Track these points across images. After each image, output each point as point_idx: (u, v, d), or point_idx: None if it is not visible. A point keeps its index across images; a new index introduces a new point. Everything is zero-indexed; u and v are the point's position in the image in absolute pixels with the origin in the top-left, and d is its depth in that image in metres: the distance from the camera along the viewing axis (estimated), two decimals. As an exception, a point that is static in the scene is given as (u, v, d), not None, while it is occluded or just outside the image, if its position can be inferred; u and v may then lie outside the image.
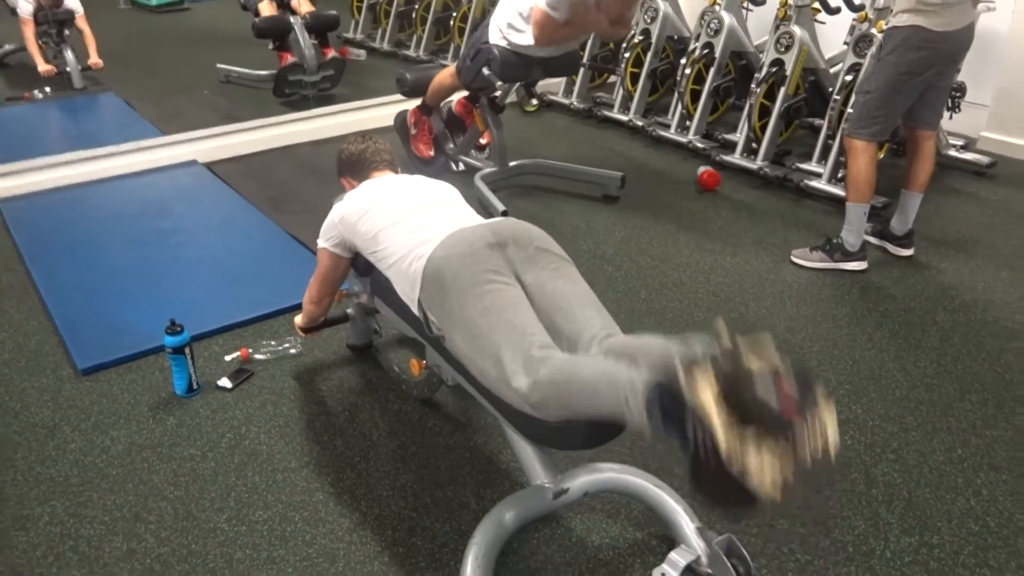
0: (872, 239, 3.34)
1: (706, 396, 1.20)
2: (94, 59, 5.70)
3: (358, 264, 2.16)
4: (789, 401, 1.19)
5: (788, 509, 1.12)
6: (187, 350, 2.32)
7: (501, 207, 3.45)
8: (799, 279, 3.10)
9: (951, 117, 3.92)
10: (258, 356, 2.54)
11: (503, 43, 3.35)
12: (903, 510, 1.95)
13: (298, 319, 2.41)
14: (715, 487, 1.24)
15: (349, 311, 2.50)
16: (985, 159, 4.19)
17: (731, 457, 1.17)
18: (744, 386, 1.19)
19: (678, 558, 1.72)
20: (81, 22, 5.68)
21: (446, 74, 3.75)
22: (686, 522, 1.75)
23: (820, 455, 1.18)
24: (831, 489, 2.01)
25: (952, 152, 4.25)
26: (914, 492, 2.01)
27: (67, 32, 5.71)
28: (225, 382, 2.41)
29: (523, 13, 3.25)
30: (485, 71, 3.41)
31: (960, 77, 3.92)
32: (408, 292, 1.83)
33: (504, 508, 1.72)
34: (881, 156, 3.99)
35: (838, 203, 3.50)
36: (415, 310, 1.82)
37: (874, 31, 3.61)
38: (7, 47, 6.12)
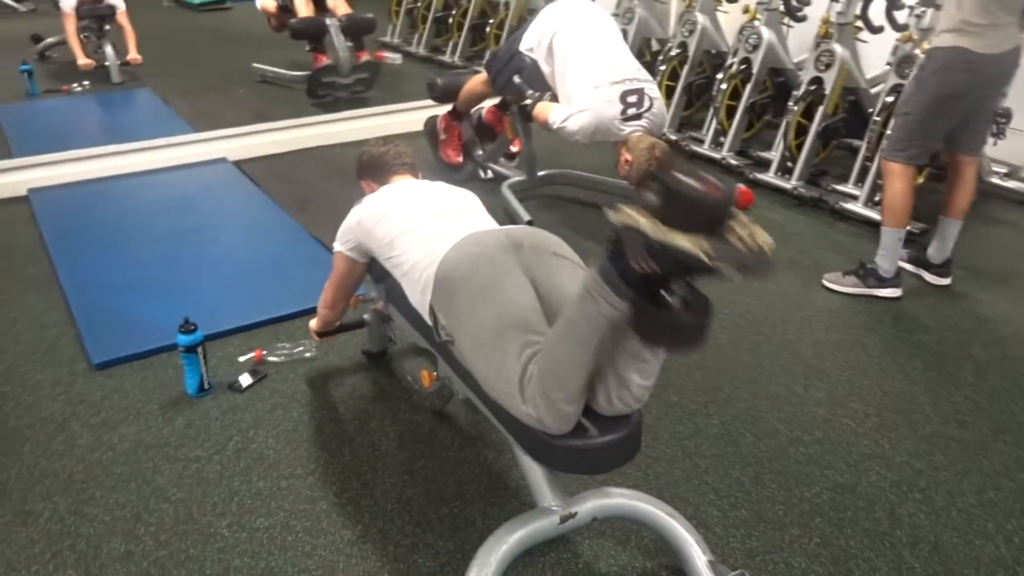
0: (908, 266, 3.23)
1: (632, 214, 1.28)
2: (133, 55, 5.77)
3: (374, 270, 2.12)
4: (712, 191, 1.25)
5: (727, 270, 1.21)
6: (200, 349, 2.29)
7: (526, 216, 3.40)
8: (830, 304, 3.00)
9: (995, 143, 3.79)
10: (272, 358, 2.51)
11: (532, 55, 3.31)
12: (928, 554, 1.86)
13: (313, 323, 2.38)
14: (657, 314, 1.34)
15: (365, 317, 2.46)
16: (1029, 188, 4.06)
17: (656, 236, 1.24)
18: (668, 185, 1.26)
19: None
20: (122, 18, 5.75)
21: (478, 80, 3.71)
22: (698, 555, 1.68)
23: (753, 247, 1.25)
24: (853, 528, 1.93)
25: (995, 179, 4.11)
26: (941, 536, 1.91)
27: (108, 27, 5.77)
28: (243, 380, 2.39)
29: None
30: (516, 79, 3.37)
31: (1007, 103, 3.81)
32: (419, 299, 1.79)
33: (509, 529, 1.66)
34: (920, 181, 3.87)
35: (873, 227, 3.39)
36: (426, 317, 1.78)
37: (918, 52, 3.52)
38: (49, 40, 6.21)
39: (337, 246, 2.11)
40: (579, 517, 1.70)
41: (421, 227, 1.87)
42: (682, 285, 1.35)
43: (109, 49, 5.70)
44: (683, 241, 1.23)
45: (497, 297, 1.62)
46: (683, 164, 1.28)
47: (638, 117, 3.12)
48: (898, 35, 3.78)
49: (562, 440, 1.52)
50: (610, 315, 1.37)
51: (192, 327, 2.28)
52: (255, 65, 5.88)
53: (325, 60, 5.27)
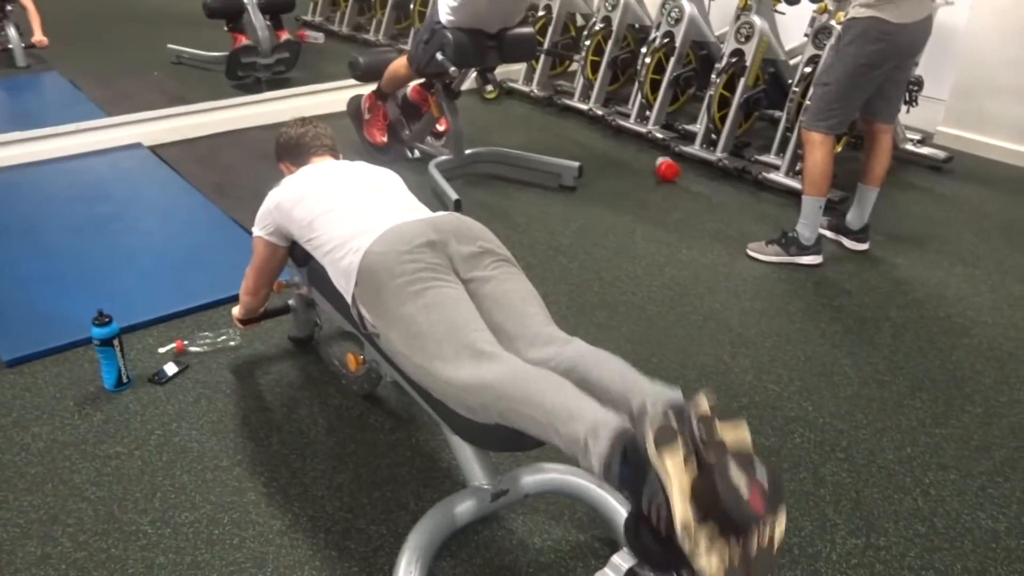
0: (828, 233, 3.32)
1: (674, 477, 1.16)
2: (38, 36, 5.48)
3: (296, 254, 2.07)
4: (757, 505, 1.15)
5: None
6: (116, 342, 2.21)
7: (455, 196, 3.37)
8: (754, 273, 3.06)
9: (908, 111, 3.92)
10: (194, 348, 2.43)
11: (449, 17, 3.26)
12: (850, 511, 1.92)
13: (236, 310, 2.32)
14: (653, 550, 1.23)
15: (290, 302, 2.41)
16: (941, 154, 4.20)
17: (684, 538, 1.14)
18: (715, 483, 1.14)
19: (620, 561, 1.66)
20: (25, -3, 5.46)
21: (399, 64, 3.65)
22: (629, 525, 1.69)
23: (766, 547, 1.16)
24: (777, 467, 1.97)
25: (909, 146, 4.25)
26: (862, 492, 1.98)
27: (10, 8, 5.46)
28: (165, 371, 2.32)
29: None
30: (439, 56, 3.32)
31: (917, 71, 3.93)
32: (343, 284, 1.75)
33: (440, 511, 1.65)
34: (839, 149, 3.97)
35: (795, 196, 3.47)
36: (350, 304, 1.74)
37: (833, 23, 3.59)
38: (-54, 22, 5.86)
39: (256, 230, 2.05)
40: (511, 494, 1.70)
41: (340, 206, 1.83)
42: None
43: (12, 31, 5.40)
44: (703, 554, 1.14)
45: (425, 293, 1.58)
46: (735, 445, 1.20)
47: None
48: (814, 6, 3.86)
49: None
50: (588, 468, 1.30)
51: (107, 319, 2.19)
52: (170, 46, 5.66)
53: (244, 40, 5.10)
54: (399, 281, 1.60)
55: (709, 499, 1.14)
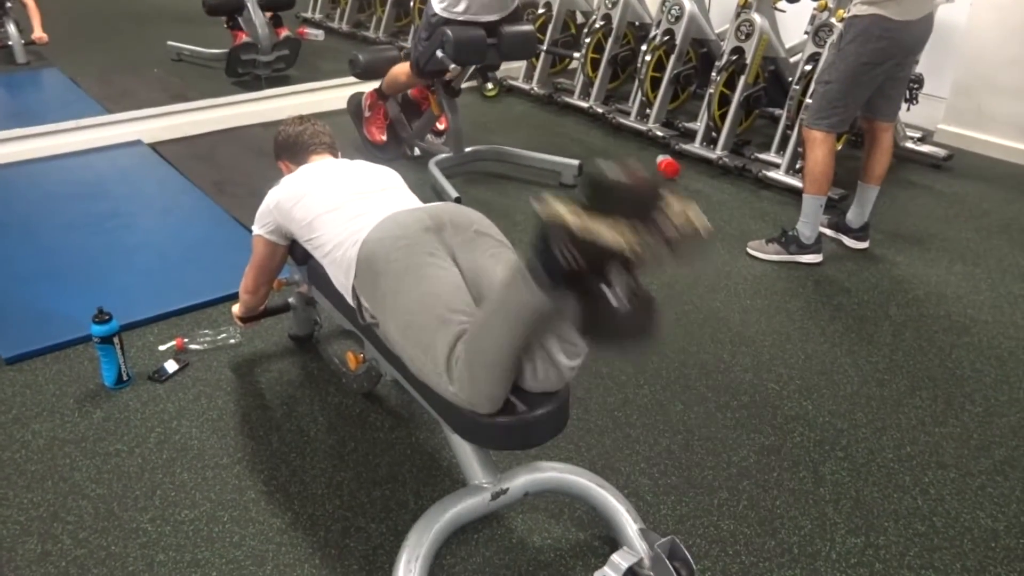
0: (828, 232, 3.32)
1: (557, 205, 1.24)
2: (38, 33, 5.48)
3: (296, 252, 2.07)
4: (633, 176, 1.22)
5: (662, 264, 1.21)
6: (116, 339, 2.20)
7: (454, 194, 3.37)
8: (754, 271, 3.06)
9: (909, 109, 3.91)
10: (194, 346, 2.43)
11: (442, 5, 3.27)
12: (850, 510, 1.92)
13: (235, 308, 2.32)
14: (601, 315, 1.28)
15: (290, 300, 2.41)
16: (942, 152, 4.20)
17: (583, 230, 1.20)
18: (595, 182, 1.23)
19: (620, 560, 1.67)
20: (24, -6, 5.46)
21: (401, 70, 3.65)
22: (629, 523, 1.70)
23: (686, 230, 1.21)
24: (779, 488, 1.97)
25: (909, 144, 4.24)
26: (862, 491, 1.98)
27: (10, 5, 5.47)
28: (165, 369, 2.32)
29: None
30: (439, 53, 3.32)
31: (918, 69, 3.92)
32: (343, 281, 1.75)
33: (440, 509, 1.65)
34: (839, 148, 3.97)
35: (796, 194, 3.47)
36: (349, 299, 1.74)
37: (834, 20, 3.58)
38: (-54, 19, 5.86)
39: (256, 229, 2.05)
40: (511, 493, 1.69)
41: (340, 206, 1.83)
42: (621, 278, 1.28)
43: (12, 28, 5.40)
44: (607, 232, 1.19)
45: (421, 279, 1.59)
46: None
47: None
48: (815, 4, 3.85)
49: (490, 417, 1.50)
50: (538, 306, 1.35)
51: (106, 317, 2.19)
52: (170, 43, 5.66)
53: (244, 37, 5.09)
54: (396, 266, 1.61)
55: (595, 196, 1.22)
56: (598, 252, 1.21)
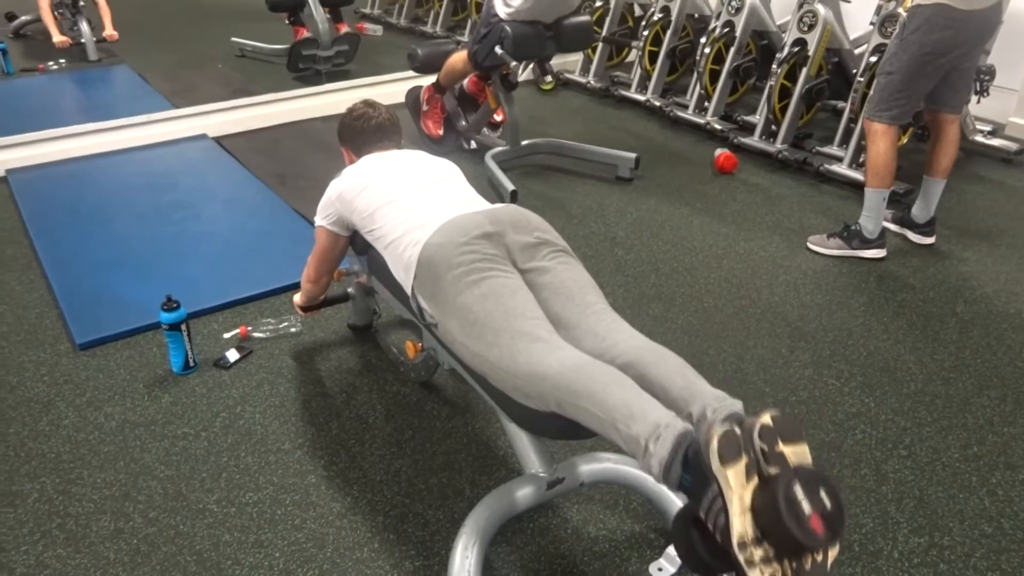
0: (892, 226, 3.24)
1: (735, 490, 1.16)
2: (109, 31, 5.66)
3: (356, 242, 2.11)
4: (818, 529, 1.13)
5: None
6: (183, 327, 2.28)
7: (511, 187, 3.38)
8: (815, 266, 3.01)
9: (979, 101, 3.78)
10: (257, 334, 2.49)
11: (507, 10, 3.27)
12: (913, 509, 1.88)
13: (297, 298, 2.37)
14: (701, 554, 1.23)
15: (349, 290, 2.45)
16: (1013, 146, 4.06)
17: (739, 553, 1.14)
18: (777, 501, 1.13)
19: (676, 553, 1.67)
20: (96, -7, 5.65)
21: (458, 59, 3.67)
22: (685, 516, 1.69)
23: (820, 563, 1.14)
24: (839, 485, 1.94)
25: (978, 138, 4.11)
26: (926, 490, 1.94)
27: (82, 3, 5.66)
28: (229, 356, 2.38)
29: None
30: (498, 50, 3.34)
31: (989, 60, 3.80)
32: (403, 276, 1.78)
33: (496, 497, 1.67)
34: (904, 141, 3.88)
35: (858, 188, 3.39)
36: (409, 296, 1.76)
37: (901, 11, 3.49)
38: (24, 18, 6.09)
39: (318, 220, 2.09)
40: (566, 483, 1.71)
41: (401, 197, 1.86)
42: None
43: (84, 26, 5.60)
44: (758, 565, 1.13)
45: (483, 282, 1.60)
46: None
47: None
48: (881, -6, 3.75)
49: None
50: (646, 468, 1.30)
51: (175, 305, 2.27)
52: (234, 39, 5.80)
53: (305, 33, 5.19)
54: (456, 272, 1.62)
55: (769, 517, 1.13)
56: (727, 567, 1.18)
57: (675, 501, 1.71)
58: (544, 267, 1.70)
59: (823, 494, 1.15)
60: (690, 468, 1.24)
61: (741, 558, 1.14)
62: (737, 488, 1.16)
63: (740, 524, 1.15)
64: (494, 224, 1.71)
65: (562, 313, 1.63)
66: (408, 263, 1.73)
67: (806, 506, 1.12)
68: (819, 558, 1.14)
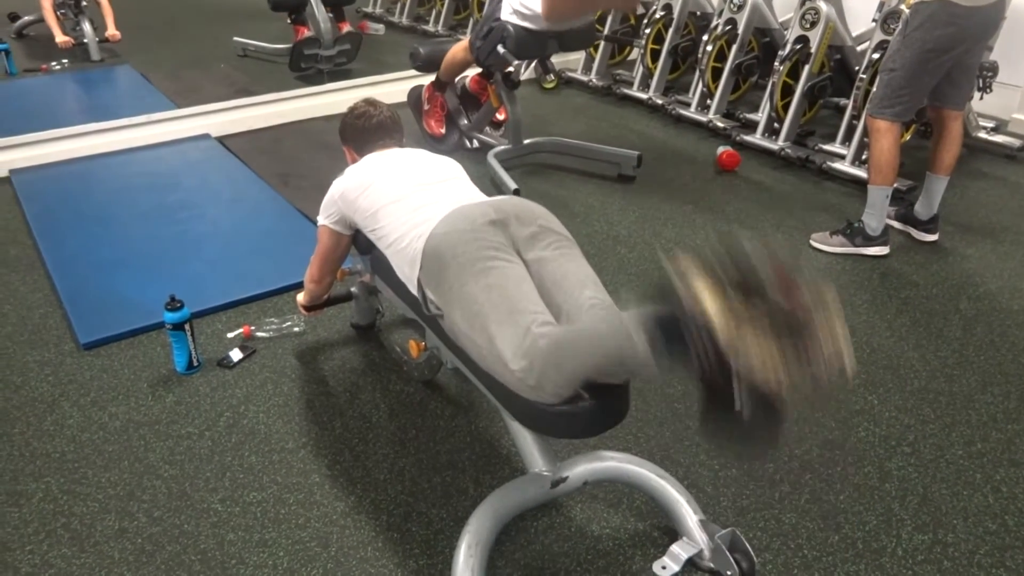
0: (895, 223, 3.24)
1: (699, 285, 1.18)
2: (112, 31, 5.67)
3: (359, 242, 2.11)
4: (787, 283, 1.14)
5: (799, 420, 1.09)
6: (187, 326, 2.28)
7: (513, 185, 3.38)
8: (818, 264, 3.01)
9: (982, 98, 3.77)
10: (260, 334, 2.50)
11: (515, 19, 3.26)
12: (917, 506, 1.88)
13: (300, 297, 2.37)
14: (723, 416, 1.23)
15: (353, 289, 2.45)
16: (1016, 142, 4.05)
17: (730, 344, 1.13)
18: (738, 263, 1.15)
19: (680, 551, 1.67)
20: (99, -7, 5.65)
21: (459, 48, 3.67)
22: (689, 514, 1.69)
23: (833, 370, 1.12)
24: (843, 483, 1.94)
25: (982, 134, 4.11)
26: (929, 487, 1.93)
27: (85, 4, 5.67)
28: (233, 356, 2.39)
29: None
30: (500, 49, 3.33)
31: (992, 57, 3.79)
32: (407, 272, 1.78)
33: (500, 496, 1.67)
34: (907, 138, 3.88)
35: (861, 186, 3.39)
36: (413, 290, 1.77)
37: (903, 7, 3.48)
38: (26, 18, 6.10)
39: (321, 219, 2.10)
40: (570, 481, 1.71)
41: (404, 197, 1.86)
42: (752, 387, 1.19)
43: (87, 26, 5.61)
44: (755, 356, 1.11)
45: (488, 271, 1.60)
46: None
47: None
48: (884, -10, 3.75)
49: (551, 406, 1.51)
50: (642, 365, 1.33)
51: (178, 304, 2.27)
52: (236, 39, 5.80)
53: (306, 32, 5.19)
54: (462, 260, 1.63)
55: (729, 273, 1.15)
56: (740, 373, 1.14)
57: (679, 500, 1.71)
58: (546, 257, 1.69)
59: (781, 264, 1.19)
60: (667, 324, 1.28)
61: (735, 358, 1.14)
62: (699, 287, 1.21)
63: (719, 320, 1.16)
64: (498, 213, 1.72)
65: (562, 305, 1.63)
66: (413, 257, 1.73)
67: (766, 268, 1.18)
68: (825, 338, 1.14)
